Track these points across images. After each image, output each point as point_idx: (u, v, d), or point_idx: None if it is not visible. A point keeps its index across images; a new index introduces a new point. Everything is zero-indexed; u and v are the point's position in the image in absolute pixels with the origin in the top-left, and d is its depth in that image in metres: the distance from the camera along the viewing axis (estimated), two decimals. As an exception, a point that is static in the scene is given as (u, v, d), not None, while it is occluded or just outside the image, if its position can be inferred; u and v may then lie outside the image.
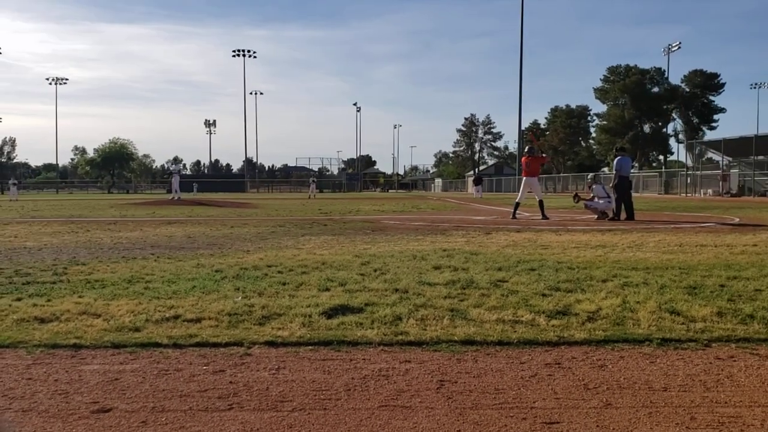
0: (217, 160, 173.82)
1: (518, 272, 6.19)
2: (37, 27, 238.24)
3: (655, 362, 3.40)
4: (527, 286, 5.43)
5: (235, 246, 9.12)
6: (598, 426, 2.56)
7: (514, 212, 16.00)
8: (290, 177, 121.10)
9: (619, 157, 16.14)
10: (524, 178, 16.31)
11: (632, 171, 16.30)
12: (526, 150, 17.35)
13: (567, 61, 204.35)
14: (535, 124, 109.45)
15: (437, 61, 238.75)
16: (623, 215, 15.18)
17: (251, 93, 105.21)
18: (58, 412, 2.73)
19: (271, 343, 3.73)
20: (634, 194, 16.21)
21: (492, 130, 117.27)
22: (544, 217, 15.30)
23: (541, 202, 15.92)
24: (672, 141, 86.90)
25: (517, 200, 16.53)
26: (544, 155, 19.08)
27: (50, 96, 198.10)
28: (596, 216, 16.03)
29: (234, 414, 2.70)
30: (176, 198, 32.41)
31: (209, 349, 3.64)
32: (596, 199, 16.27)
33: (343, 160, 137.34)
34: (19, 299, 4.95)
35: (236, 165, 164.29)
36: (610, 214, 15.41)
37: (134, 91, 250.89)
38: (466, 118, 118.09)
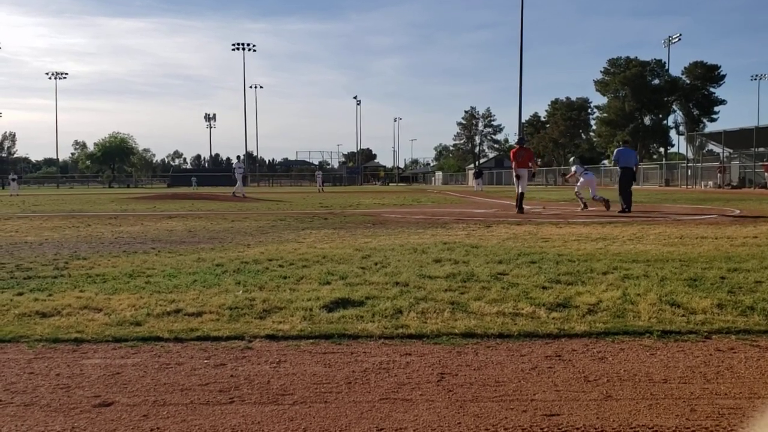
0: (217, 154, 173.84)
1: (519, 265, 6.19)
2: (35, 21, 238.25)
3: (656, 354, 3.41)
4: (528, 278, 5.43)
5: (235, 240, 9.13)
6: (598, 418, 2.56)
7: (520, 205, 15.67)
8: (291, 171, 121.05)
9: (620, 148, 16.09)
10: (515, 170, 16.08)
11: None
12: (517, 140, 17.38)
13: (567, 54, 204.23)
14: (536, 116, 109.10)
15: (437, 53, 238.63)
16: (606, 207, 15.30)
17: (251, 87, 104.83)
18: (59, 406, 2.74)
19: (272, 337, 3.74)
20: (635, 186, 16.17)
21: (492, 122, 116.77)
22: (520, 209, 15.29)
23: (521, 195, 15.73)
24: (672, 133, 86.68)
25: (521, 191, 16.17)
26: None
27: (49, 90, 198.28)
28: (582, 206, 16.62)
29: (235, 407, 2.71)
30: (240, 194, 29.68)
31: (210, 342, 3.65)
32: (579, 178, 17.13)
33: (343, 154, 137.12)
34: (20, 294, 4.96)
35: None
36: (589, 197, 16.32)
37: (133, 86, 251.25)
38: (466, 111, 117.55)
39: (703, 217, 13.48)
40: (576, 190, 17.40)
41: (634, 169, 16.07)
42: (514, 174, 16.24)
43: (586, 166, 19.22)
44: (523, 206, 15.61)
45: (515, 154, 16.18)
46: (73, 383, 3.01)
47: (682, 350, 3.48)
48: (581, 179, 17.30)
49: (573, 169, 18.07)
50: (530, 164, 16.36)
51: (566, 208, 17.25)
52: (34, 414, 2.65)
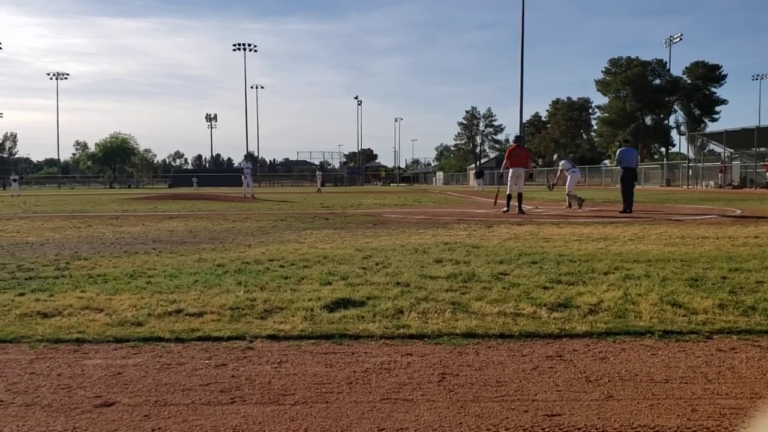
0: (218, 155, 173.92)
1: (520, 265, 6.19)
2: (36, 21, 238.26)
3: (657, 354, 3.41)
4: (529, 278, 5.43)
5: (236, 240, 9.13)
6: (599, 418, 2.56)
7: (519, 206, 15.26)
8: (291, 171, 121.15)
9: (622, 149, 16.06)
10: (512, 169, 15.49)
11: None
12: (514, 138, 17.11)
13: (568, 53, 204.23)
14: (537, 116, 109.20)
15: (437, 53, 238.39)
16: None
17: (252, 87, 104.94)
18: (61, 406, 2.74)
19: (273, 337, 3.74)
20: (636, 187, 16.13)
21: (493, 122, 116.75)
22: (519, 210, 15.02)
23: (520, 195, 15.44)
24: (674, 133, 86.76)
25: (508, 192, 15.64)
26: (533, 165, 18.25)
27: (50, 90, 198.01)
28: (567, 204, 16.96)
29: (236, 408, 2.71)
30: (249, 195, 28.19)
31: (211, 343, 3.65)
32: (567, 175, 17.49)
33: (344, 154, 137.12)
34: (21, 294, 4.96)
35: (237, 159, 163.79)
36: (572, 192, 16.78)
37: (134, 86, 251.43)
38: (467, 111, 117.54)
39: (704, 217, 13.48)
40: (568, 190, 17.52)
41: (636, 168, 16.08)
42: (509, 173, 15.64)
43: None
44: (518, 206, 15.25)
45: (511, 152, 15.79)
46: (75, 383, 3.02)
47: (684, 350, 3.48)
48: (569, 177, 17.41)
49: (561, 164, 18.12)
50: (528, 164, 16.05)
51: (561, 207, 17.22)
52: (36, 414, 2.66)
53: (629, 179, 15.44)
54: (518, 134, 17.48)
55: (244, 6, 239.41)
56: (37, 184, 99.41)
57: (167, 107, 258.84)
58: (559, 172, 18.12)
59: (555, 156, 20.28)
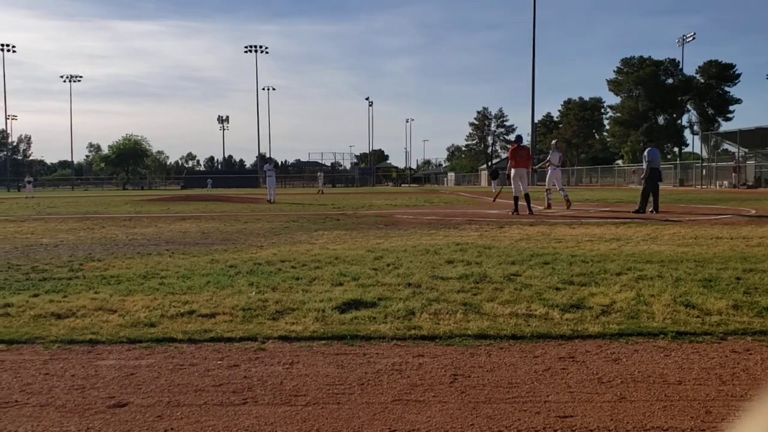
0: (230, 156, 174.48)
1: (532, 266, 6.17)
2: (48, 24, 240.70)
3: (670, 355, 3.38)
4: (541, 279, 5.41)
5: (248, 241, 9.16)
6: (612, 419, 2.55)
7: (528, 206, 15.05)
8: (303, 172, 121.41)
9: (649, 148, 15.87)
10: (514, 170, 15.28)
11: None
12: (515, 137, 16.69)
13: (580, 53, 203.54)
14: (548, 116, 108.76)
15: (448, 53, 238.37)
16: (650, 207, 14.97)
17: (263, 88, 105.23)
18: (75, 406, 2.76)
19: (284, 338, 3.75)
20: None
21: (505, 123, 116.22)
22: (528, 210, 14.83)
23: (527, 195, 15.21)
24: (687, 132, 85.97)
25: (515, 194, 15.29)
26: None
27: (63, 93, 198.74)
28: (546, 204, 17.14)
29: (248, 408, 2.72)
30: (271, 200, 25.79)
31: (224, 344, 3.67)
32: (548, 170, 17.54)
33: (355, 155, 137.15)
34: (35, 295, 5.00)
35: (249, 160, 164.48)
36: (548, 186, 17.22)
37: (147, 88, 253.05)
38: (478, 112, 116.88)
39: (718, 217, 13.36)
40: (547, 186, 17.65)
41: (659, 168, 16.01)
42: (512, 173, 15.41)
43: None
44: (527, 206, 15.05)
45: (515, 152, 15.58)
46: (88, 384, 3.04)
47: (697, 351, 3.45)
48: (549, 171, 17.34)
49: (550, 153, 18.02)
50: (529, 164, 16.01)
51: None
52: (50, 414, 2.68)
53: (655, 179, 15.28)
54: (518, 134, 17.23)
55: (254, 8, 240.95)
56: (50, 185, 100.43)
57: (180, 109, 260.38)
58: (547, 162, 18.03)
59: (554, 141, 18.66)
